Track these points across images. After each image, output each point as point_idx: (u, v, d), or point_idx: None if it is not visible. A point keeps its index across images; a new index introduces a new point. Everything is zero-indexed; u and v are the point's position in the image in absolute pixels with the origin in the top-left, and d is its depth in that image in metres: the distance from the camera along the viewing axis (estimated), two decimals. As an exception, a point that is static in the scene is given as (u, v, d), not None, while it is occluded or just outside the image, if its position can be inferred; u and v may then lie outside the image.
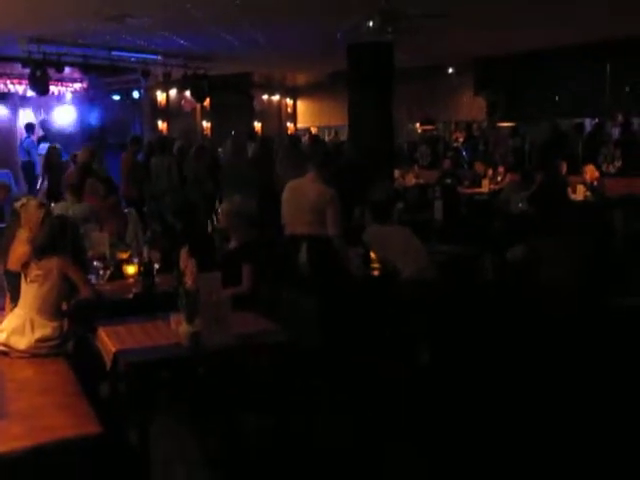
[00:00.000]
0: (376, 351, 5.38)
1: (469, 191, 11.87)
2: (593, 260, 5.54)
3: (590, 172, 10.60)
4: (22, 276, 4.53)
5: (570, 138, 13.05)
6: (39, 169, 13.23)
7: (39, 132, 15.37)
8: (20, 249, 5.00)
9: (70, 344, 4.44)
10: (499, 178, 12.17)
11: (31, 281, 4.46)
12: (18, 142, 14.96)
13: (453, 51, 13.75)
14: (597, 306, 5.12)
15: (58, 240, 4.54)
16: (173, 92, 17.42)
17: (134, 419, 3.78)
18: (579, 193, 10.32)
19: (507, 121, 14.95)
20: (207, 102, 16.06)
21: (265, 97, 19.81)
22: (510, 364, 5.14)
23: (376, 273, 5.93)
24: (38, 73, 10.95)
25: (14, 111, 15.26)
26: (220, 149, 13.22)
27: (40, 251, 4.50)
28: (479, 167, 12.65)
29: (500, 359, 5.26)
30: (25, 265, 4.53)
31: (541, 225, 5.96)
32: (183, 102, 16.48)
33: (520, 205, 8.97)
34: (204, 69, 13.46)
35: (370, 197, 6.51)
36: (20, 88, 14.05)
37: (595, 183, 10.49)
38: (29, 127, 14.82)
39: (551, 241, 5.45)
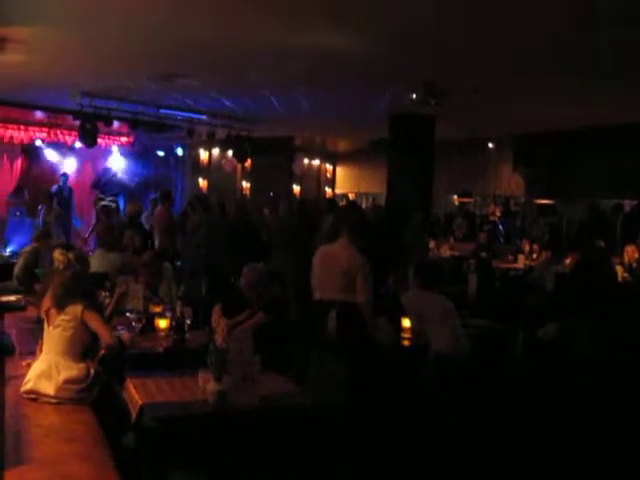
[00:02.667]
0: (403, 421, 5.30)
1: (504, 266, 11.79)
2: (628, 344, 5.44)
3: (630, 253, 10.49)
4: (45, 322, 4.59)
5: (608, 218, 12.97)
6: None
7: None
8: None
9: (95, 391, 4.45)
10: (535, 255, 12.10)
11: (55, 327, 4.50)
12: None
13: (493, 126, 13.90)
14: (630, 391, 5.02)
15: (74, 289, 4.60)
16: (215, 151, 17.77)
17: (155, 473, 3.76)
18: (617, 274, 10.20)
19: (545, 198, 14.93)
20: (248, 163, 16.34)
21: (305, 161, 20.08)
22: (541, 442, 5.03)
23: (407, 343, 5.87)
24: (88, 126, 11.27)
25: (61, 161, 15.68)
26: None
27: (60, 301, 4.56)
28: (525, 245, 12.54)
29: (530, 438, 5.15)
30: (47, 312, 4.59)
31: (575, 305, 5.88)
32: (224, 162, 16.77)
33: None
34: (247, 131, 13.74)
35: (415, 259, 6.49)
36: (69, 139, 14.48)
37: (634, 265, 10.37)
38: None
39: (585, 323, 5.37)
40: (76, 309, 4.50)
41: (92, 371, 4.46)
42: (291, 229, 9.42)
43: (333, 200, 13.43)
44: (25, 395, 4.37)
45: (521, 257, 11.93)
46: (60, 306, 4.53)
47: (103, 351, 4.61)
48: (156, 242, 10.32)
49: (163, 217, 11.00)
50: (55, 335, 4.50)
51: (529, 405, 5.47)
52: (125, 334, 5.10)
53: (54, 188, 14.56)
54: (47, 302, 4.67)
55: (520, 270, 11.47)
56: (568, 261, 9.35)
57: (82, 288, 4.67)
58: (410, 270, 6.31)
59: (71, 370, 4.39)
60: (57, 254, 6.51)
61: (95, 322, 4.53)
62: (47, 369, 4.38)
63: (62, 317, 4.50)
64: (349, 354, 5.44)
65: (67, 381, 4.35)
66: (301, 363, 5.55)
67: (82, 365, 4.44)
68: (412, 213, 10.30)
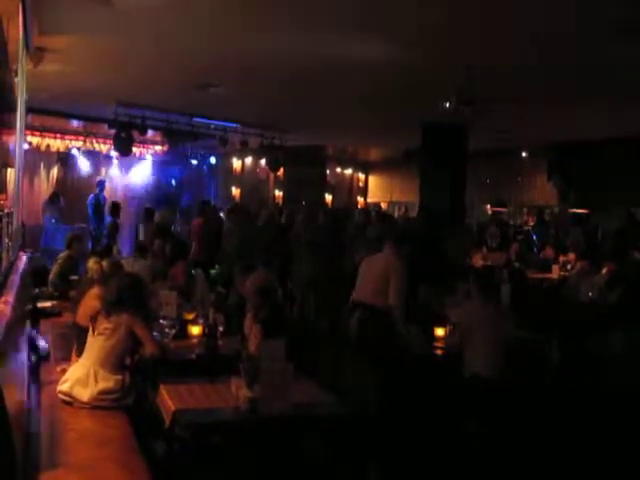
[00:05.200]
0: (433, 431, 5.26)
1: (538, 276, 11.66)
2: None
3: (666, 264, 10.30)
4: (90, 328, 4.62)
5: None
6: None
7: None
8: (90, 303, 5.10)
9: (131, 398, 4.48)
10: (569, 265, 11.93)
11: (99, 334, 4.53)
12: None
13: (527, 135, 13.79)
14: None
15: (127, 296, 4.64)
16: (248, 160, 17.86)
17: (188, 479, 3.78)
18: (652, 285, 10.02)
19: (580, 207, 14.76)
20: (280, 171, 16.39)
21: (338, 170, 20.10)
22: (574, 456, 4.96)
23: (439, 352, 5.82)
24: (123, 134, 11.39)
25: (97, 169, 15.83)
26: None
27: (110, 307, 4.59)
28: (549, 252, 12.43)
29: (564, 451, 5.08)
30: (94, 318, 4.62)
31: (611, 316, 5.82)
32: (259, 170, 16.87)
33: (590, 294, 8.77)
34: (280, 140, 13.80)
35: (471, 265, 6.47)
36: (104, 147, 14.64)
37: (670, 276, 10.18)
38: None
39: (621, 334, 5.30)
40: (121, 318, 4.53)
41: (127, 380, 4.49)
42: (324, 237, 9.47)
43: (385, 215, 13.32)
44: (60, 395, 4.41)
45: (555, 267, 11.78)
46: (107, 312, 4.57)
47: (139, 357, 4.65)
48: (192, 250, 10.38)
49: (200, 226, 11.09)
50: (97, 342, 4.52)
51: (562, 417, 5.40)
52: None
53: (91, 196, 14.65)
54: (95, 306, 4.72)
55: (554, 280, 11.34)
56: (604, 271, 9.23)
57: (135, 298, 4.69)
58: (462, 284, 6.30)
59: (108, 381, 4.41)
60: (91, 263, 6.61)
61: (141, 330, 4.57)
62: (84, 377, 4.40)
63: (106, 325, 4.53)
64: (376, 360, 5.43)
65: (102, 392, 4.37)
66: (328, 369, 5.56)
67: (119, 377, 4.46)
68: (457, 226, 10.26)
